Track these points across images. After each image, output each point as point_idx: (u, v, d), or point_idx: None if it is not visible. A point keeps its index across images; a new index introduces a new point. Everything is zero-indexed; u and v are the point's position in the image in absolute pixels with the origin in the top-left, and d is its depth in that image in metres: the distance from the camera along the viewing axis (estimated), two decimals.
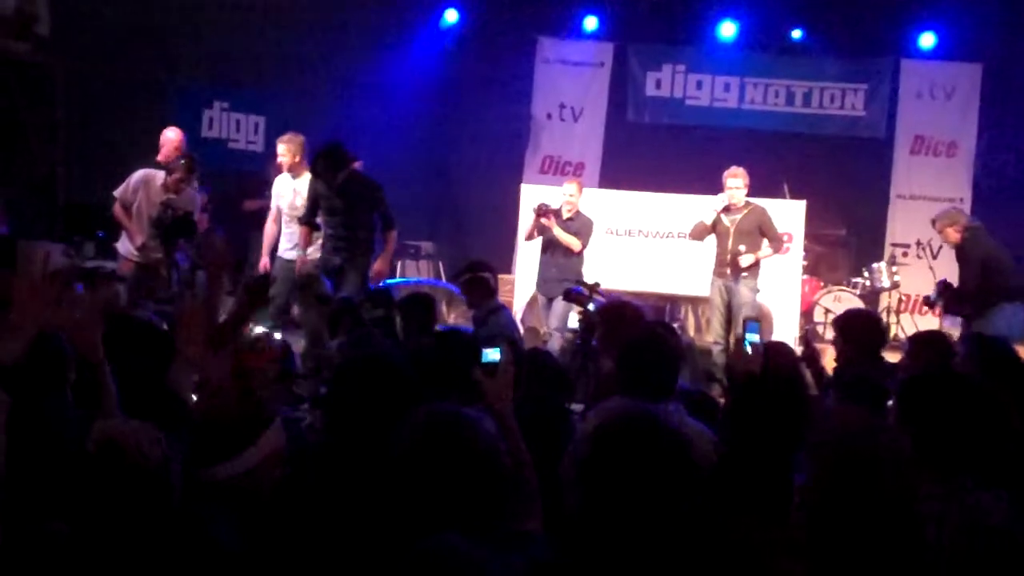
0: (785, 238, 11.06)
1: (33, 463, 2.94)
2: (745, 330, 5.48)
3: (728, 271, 10.21)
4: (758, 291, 10.14)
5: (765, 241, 10.30)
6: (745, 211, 10.28)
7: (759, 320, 5.73)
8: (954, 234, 10.01)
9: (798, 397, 4.42)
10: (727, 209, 10.28)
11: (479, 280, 8.20)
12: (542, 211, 10.32)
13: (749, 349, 5.35)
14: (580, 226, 10.39)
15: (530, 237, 10.72)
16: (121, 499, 2.65)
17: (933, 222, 10.46)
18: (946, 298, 9.96)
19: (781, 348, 5.84)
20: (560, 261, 10.31)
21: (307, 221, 9.76)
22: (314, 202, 9.67)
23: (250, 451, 3.06)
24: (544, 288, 10.46)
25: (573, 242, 10.25)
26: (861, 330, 6.18)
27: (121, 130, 11.55)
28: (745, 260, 10.09)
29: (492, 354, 3.57)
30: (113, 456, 2.66)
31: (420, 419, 2.77)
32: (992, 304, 9.44)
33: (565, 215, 10.41)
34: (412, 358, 5.05)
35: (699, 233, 10.48)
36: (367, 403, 3.29)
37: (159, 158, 10.12)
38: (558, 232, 10.24)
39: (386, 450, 2.95)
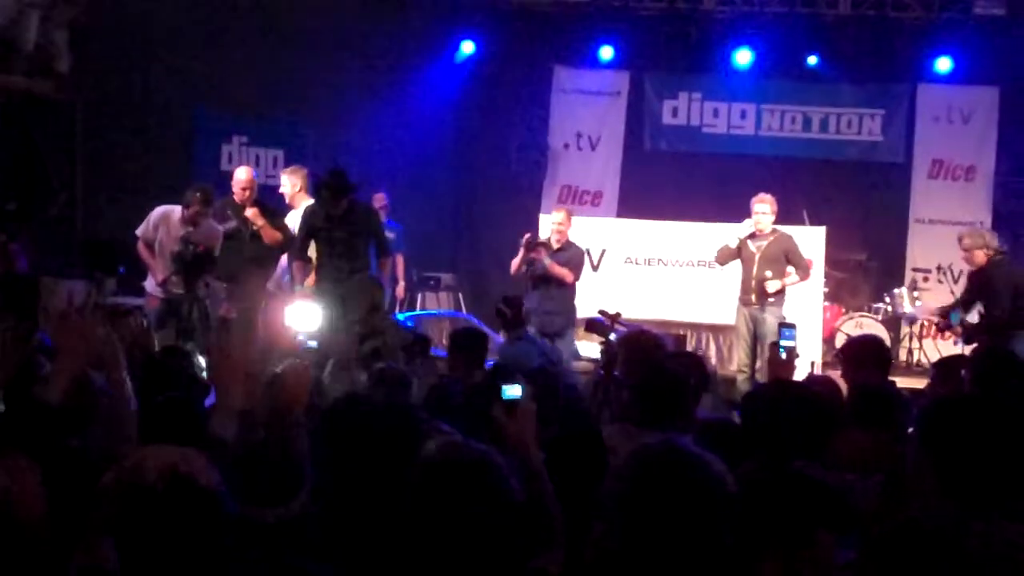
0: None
1: (80, 500, 2.91)
2: (780, 336, 5.47)
3: (753, 298, 10.13)
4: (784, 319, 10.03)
5: (791, 268, 10.22)
6: (771, 238, 10.21)
7: (794, 326, 5.69)
8: (982, 256, 9.66)
9: (813, 410, 4.38)
10: (753, 236, 10.20)
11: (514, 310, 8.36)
12: (530, 244, 10.15)
13: (784, 355, 5.34)
14: (571, 256, 10.26)
15: (517, 271, 10.44)
16: (192, 531, 2.56)
17: (960, 239, 10.08)
18: (972, 329, 9.71)
19: (826, 379, 5.83)
20: (555, 293, 10.13)
21: (301, 255, 9.60)
22: (308, 234, 9.50)
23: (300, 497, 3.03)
24: (539, 322, 10.03)
25: (565, 274, 10.11)
26: (868, 354, 6.14)
27: (142, 166, 11.58)
28: (772, 286, 10.01)
29: (512, 391, 3.35)
30: (182, 487, 2.57)
31: (427, 455, 2.74)
32: (1016, 328, 9.28)
33: (555, 245, 10.26)
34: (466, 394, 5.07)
35: (724, 257, 10.41)
36: (349, 454, 3.14)
37: (235, 199, 10.11)
38: (549, 264, 10.09)
39: (376, 497, 2.95)
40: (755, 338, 10.06)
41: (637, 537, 2.65)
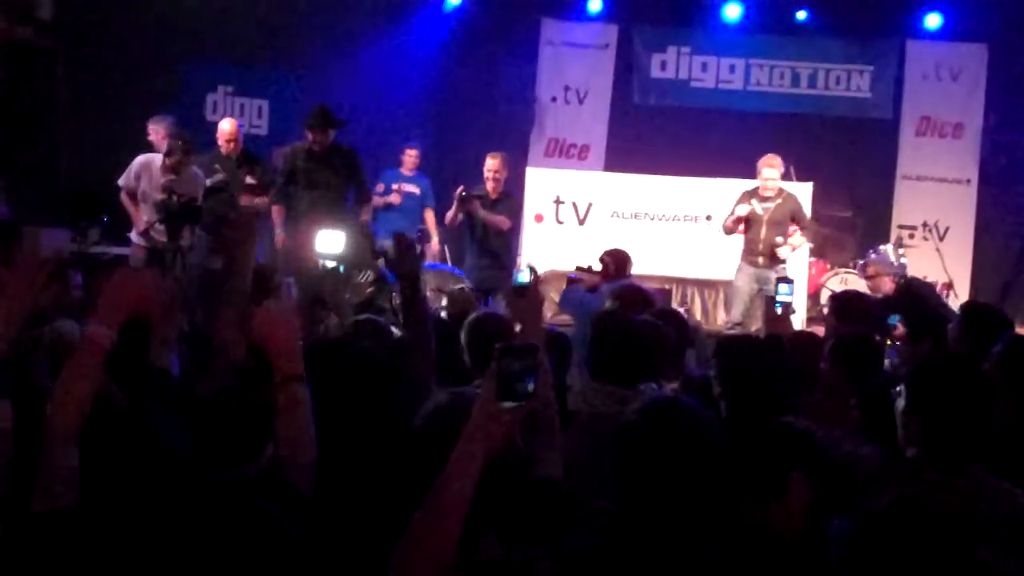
0: None
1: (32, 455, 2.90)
2: (776, 291, 5.47)
3: (761, 260, 9.99)
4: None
5: (796, 230, 10.12)
6: (779, 200, 10.09)
7: (792, 281, 5.69)
8: (890, 283, 8.90)
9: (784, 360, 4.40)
10: (760, 197, 10.09)
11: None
12: (463, 197, 9.85)
13: (780, 310, 5.35)
14: (507, 207, 10.05)
15: (452, 222, 10.19)
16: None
17: (865, 267, 9.41)
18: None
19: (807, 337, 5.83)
20: (493, 246, 9.92)
21: (281, 199, 9.60)
22: (288, 176, 9.46)
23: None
24: (478, 278, 9.88)
25: (500, 221, 9.86)
26: (856, 312, 6.14)
27: (125, 115, 11.49)
28: (783, 252, 9.87)
29: (522, 276, 4.17)
30: None
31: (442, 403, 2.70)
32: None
33: (492, 196, 9.99)
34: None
35: (732, 227, 10.19)
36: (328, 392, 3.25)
37: (221, 151, 10.11)
38: (484, 216, 9.82)
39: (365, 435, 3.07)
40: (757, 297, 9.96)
41: (638, 487, 2.68)
